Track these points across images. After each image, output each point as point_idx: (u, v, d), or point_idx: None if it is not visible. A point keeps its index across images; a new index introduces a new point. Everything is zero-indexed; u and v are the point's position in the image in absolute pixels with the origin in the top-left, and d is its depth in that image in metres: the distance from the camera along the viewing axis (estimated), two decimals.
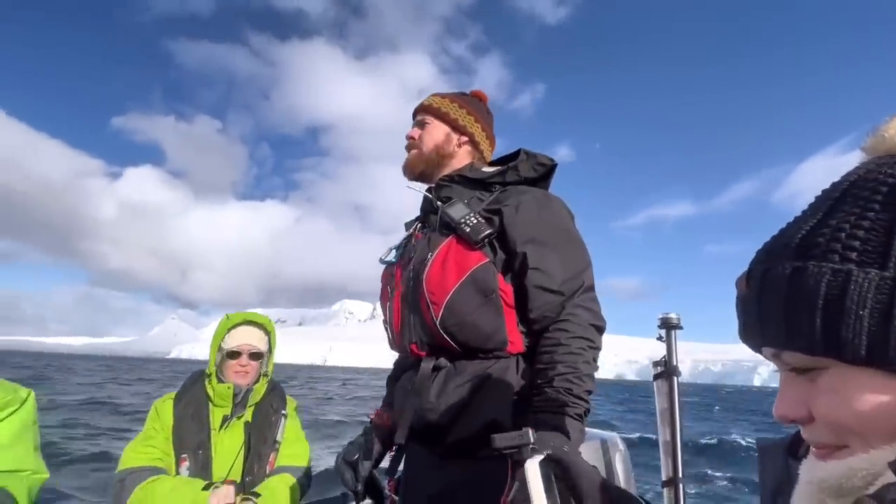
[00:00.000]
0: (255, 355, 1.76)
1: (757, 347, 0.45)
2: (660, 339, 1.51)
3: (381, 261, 1.46)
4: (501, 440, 0.72)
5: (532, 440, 0.69)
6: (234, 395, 1.70)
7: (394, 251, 1.45)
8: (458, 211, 1.27)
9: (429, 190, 1.40)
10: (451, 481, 1.19)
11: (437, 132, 1.40)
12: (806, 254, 0.42)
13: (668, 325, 1.49)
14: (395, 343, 1.37)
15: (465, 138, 1.41)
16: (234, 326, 1.77)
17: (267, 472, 1.69)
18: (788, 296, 0.41)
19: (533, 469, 0.65)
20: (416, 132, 1.42)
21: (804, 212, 0.45)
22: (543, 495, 0.63)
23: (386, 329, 1.39)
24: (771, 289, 0.43)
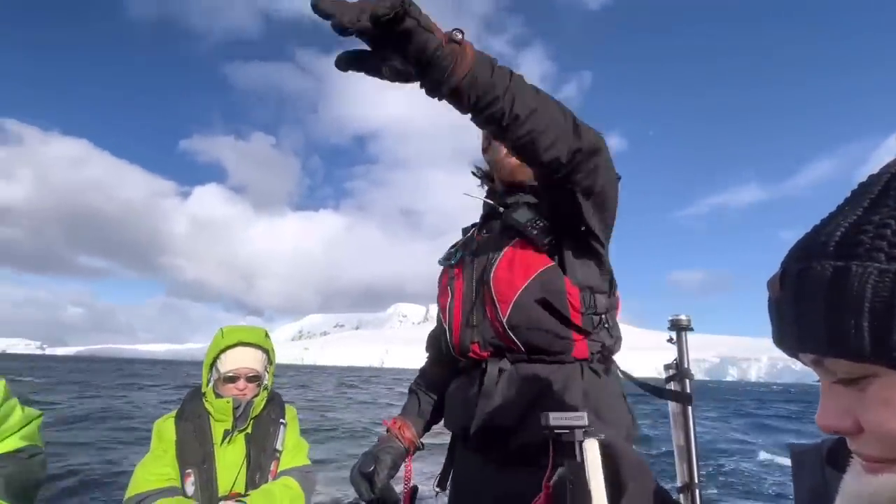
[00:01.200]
0: (253, 378, 1.76)
1: (794, 353, 0.43)
2: (670, 341, 1.46)
3: (441, 262, 1.44)
4: (556, 419, 0.70)
5: (587, 423, 0.69)
6: (234, 409, 1.70)
7: (454, 253, 1.43)
8: (522, 215, 1.26)
9: (489, 196, 1.40)
10: (512, 489, 1.13)
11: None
12: (848, 253, 0.39)
13: (678, 327, 1.44)
14: (453, 345, 1.32)
15: None
16: (228, 347, 1.74)
17: (269, 481, 1.69)
18: (830, 298, 0.38)
19: (593, 449, 0.65)
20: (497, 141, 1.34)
21: (841, 206, 0.42)
22: (601, 475, 0.62)
23: (440, 335, 1.37)
24: (810, 291, 0.40)
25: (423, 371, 1.55)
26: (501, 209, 1.32)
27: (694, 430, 1.36)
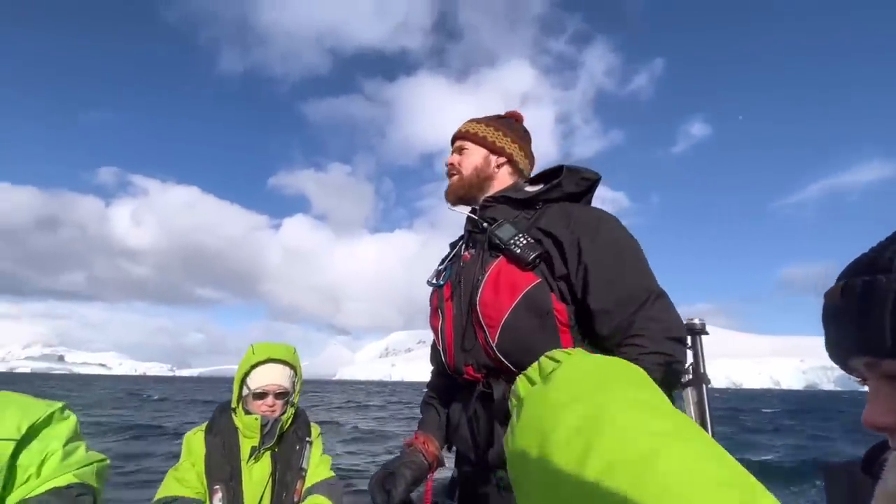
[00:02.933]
0: (282, 394, 1.78)
1: (846, 359, 0.46)
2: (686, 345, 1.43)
3: (430, 283, 1.44)
4: None
5: None
6: (262, 427, 1.71)
7: (442, 272, 1.43)
8: (506, 231, 1.25)
9: (473, 211, 1.40)
10: None
11: (475, 156, 1.41)
12: None
13: (693, 332, 1.40)
14: (448, 366, 1.34)
15: (503, 159, 1.41)
16: (258, 364, 1.76)
17: (294, 500, 1.70)
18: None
19: None
20: (456, 158, 1.43)
21: None
22: None
23: (439, 352, 1.37)
24: (875, 299, 0.43)
25: (433, 384, 1.55)
26: (486, 224, 1.31)
27: (712, 433, 1.32)
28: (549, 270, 1.20)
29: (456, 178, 1.42)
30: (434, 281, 1.43)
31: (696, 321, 1.40)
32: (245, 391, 1.77)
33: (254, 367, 1.76)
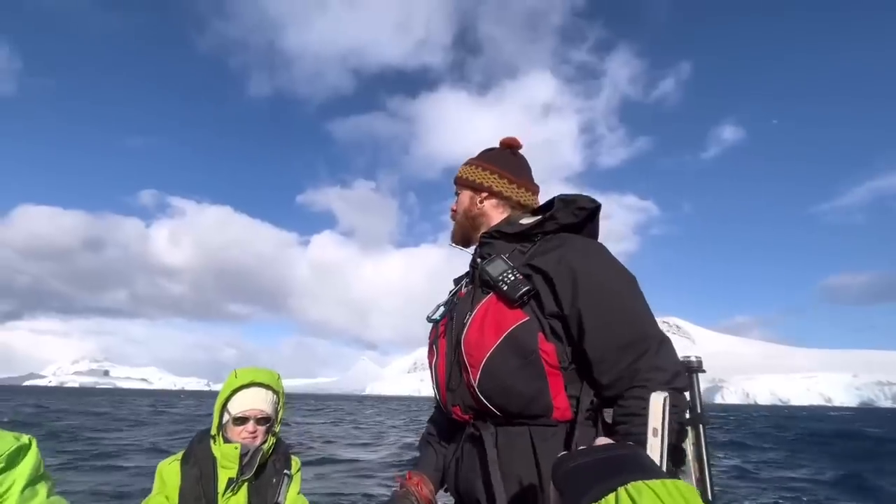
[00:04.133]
0: (263, 420, 1.69)
1: None
2: None
3: (428, 319, 1.42)
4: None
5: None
6: (242, 456, 1.63)
7: (441, 308, 1.41)
8: (496, 268, 1.22)
9: (474, 250, 1.41)
10: None
11: (463, 199, 1.48)
12: None
13: (689, 369, 1.35)
14: (441, 404, 1.33)
15: (484, 194, 1.43)
16: (241, 388, 1.68)
17: None
18: None
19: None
20: (454, 203, 1.52)
21: None
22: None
23: (434, 390, 1.35)
24: None
25: (434, 420, 1.50)
26: (479, 260, 1.31)
27: (710, 474, 1.26)
28: (538, 308, 1.16)
29: (455, 225, 1.51)
30: (432, 316, 1.42)
31: (693, 358, 1.34)
32: (226, 417, 1.70)
33: (235, 391, 1.69)
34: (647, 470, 0.80)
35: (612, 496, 0.77)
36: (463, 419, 1.26)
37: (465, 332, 1.21)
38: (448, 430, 1.42)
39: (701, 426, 1.28)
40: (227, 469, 1.62)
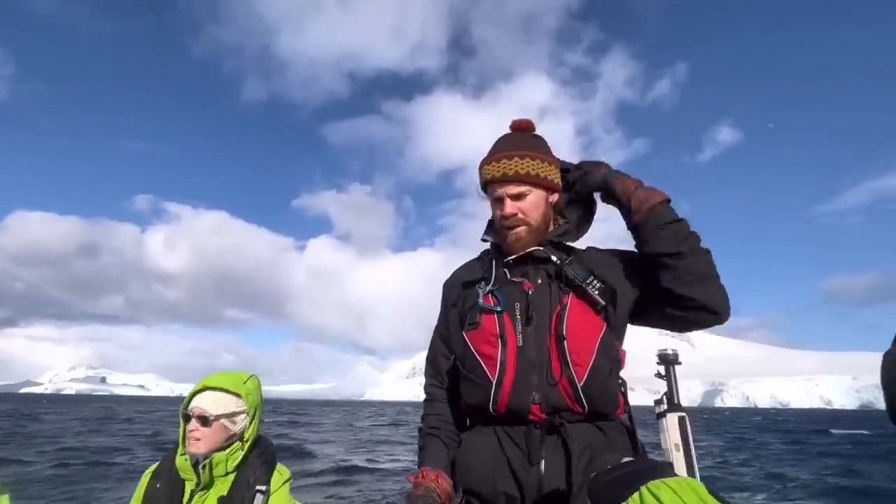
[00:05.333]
0: (203, 420, 1.55)
1: None
2: (658, 375, 1.43)
3: (482, 306, 1.28)
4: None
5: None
6: (194, 466, 1.54)
7: (492, 296, 1.29)
8: (579, 270, 1.25)
9: (493, 244, 1.39)
10: None
11: (539, 201, 1.30)
12: None
13: (666, 361, 1.41)
14: (497, 401, 1.20)
15: (556, 195, 1.35)
16: (196, 392, 1.61)
17: None
18: None
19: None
20: (516, 206, 1.28)
21: None
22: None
23: (486, 385, 1.23)
24: None
25: (437, 410, 1.39)
26: (556, 259, 1.28)
27: (693, 461, 1.32)
28: (612, 317, 1.25)
29: (524, 229, 1.29)
30: (489, 304, 1.28)
31: (669, 351, 1.41)
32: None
33: (193, 395, 1.62)
34: (667, 474, 0.94)
35: (636, 495, 0.93)
36: (538, 419, 1.19)
37: (565, 328, 1.19)
38: (456, 428, 1.37)
39: (677, 413, 1.34)
40: (189, 480, 1.56)
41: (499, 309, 1.27)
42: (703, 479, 0.96)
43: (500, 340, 1.24)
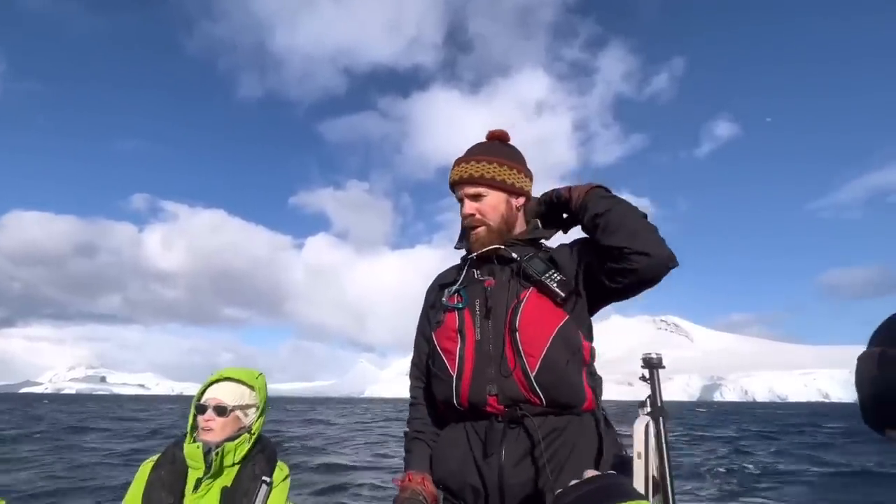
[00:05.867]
0: (220, 409, 1.60)
1: (882, 428, 0.45)
2: (643, 379, 1.45)
3: (445, 304, 1.35)
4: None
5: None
6: (206, 455, 1.56)
7: (456, 295, 1.36)
8: (538, 265, 1.29)
9: (464, 247, 1.42)
10: None
11: (495, 202, 1.37)
12: None
13: (650, 365, 1.43)
14: (459, 395, 1.26)
15: (522, 199, 1.41)
16: (212, 383, 1.65)
17: None
18: None
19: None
20: (473, 207, 1.36)
21: None
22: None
23: (447, 379, 1.29)
24: None
25: (421, 414, 1.44)
26: (515, 256, 1.33)
27: (670, 465, 1.34)
28: (574, 308, 1.29)
29: (483, 229, 1.36)
30: (453, 303, 1.34)
31: (653, 355, 1.42)
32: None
33: (207, 386, 1.67)
34: (629, 493, 0.94)
35: None
36: (496, 411, 1.23)
37: (519, 320, 1.23)
38: (436, 428, 1.40)
39: (661, 419, 1.36)
40: (195, 469, 1.58)
41: (460, 306, 1.33)
42: (677, 476, 0.98)
43: (458, 335, 1.30)
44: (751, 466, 12.48)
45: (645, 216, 1.24)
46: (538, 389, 1.21)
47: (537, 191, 1.51)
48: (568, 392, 1.24)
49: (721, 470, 11.45)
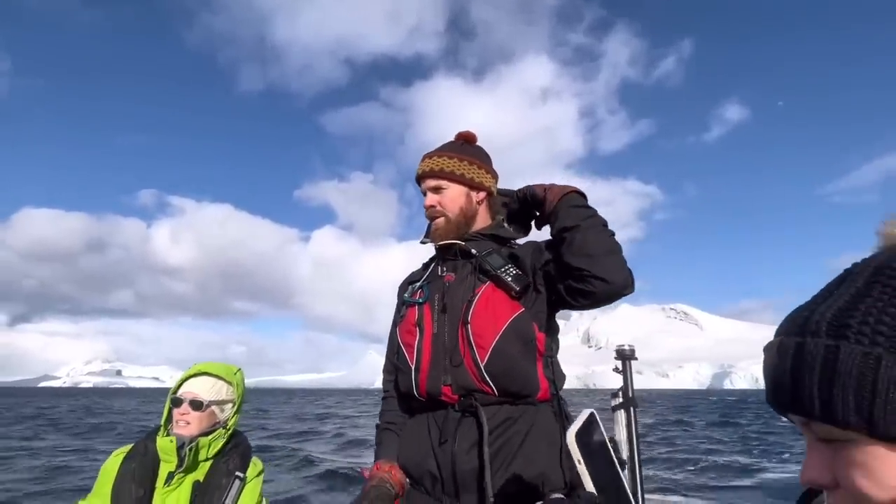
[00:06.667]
0: (196, 404, 1.60)
1: (784, 413, 0.48)
2: (616, 370, 1.49)
3: (408, 300, 1.43)
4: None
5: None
6: (179, 449, 1.55)
7: (420, 290, 1.43)
8: (496, 260, 1.34)
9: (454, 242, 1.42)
10: None
11: (457, 195, 1.42)
12: (838, 333, 0.47)
13: (623, 357, 1.47)
14: (418, 385, 1.33)
15: (483, 194, 1.46)
16: (189, 377, 1.65)
17: None
18: (823, 372, 0.47)
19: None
20: (434, 199, 1.43)
21: (828, 290, 0.49)
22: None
23: (407, 371, 1.35)
24: (805, 363, 0.47)
25: (392, 406, 1.49)
26: (474, 252, 1.38)
27: (639, 455, 1.38)
28: (531, 302, 1.33)
29: (442, 220, 1.42)
30: (415, 298, 1.42)
31: (626, 346, 1.46)
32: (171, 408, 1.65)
33: (184, 380, 1.66)
34: None
35: None
36: (451, 400, 1.30)
37: (471, 313, 1.29)
38: (404, 419, 1.45)
39: (632, 409, 1.40)
40: (167, 462, 1.57)
41: (420, 301, 1.40)
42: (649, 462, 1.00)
43: (417, 328, 1.37)
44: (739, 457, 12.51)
45: (612, 234, 1.28)
46: (489, 379, 1.26)
47: (549, 180, 1.51)
48: (520, 382, 1.28)
49: (717, 460, 11.49)
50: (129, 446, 1.63)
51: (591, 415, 1.04)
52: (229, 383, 1.70)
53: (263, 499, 1.70)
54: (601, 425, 1.09)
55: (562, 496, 1.04)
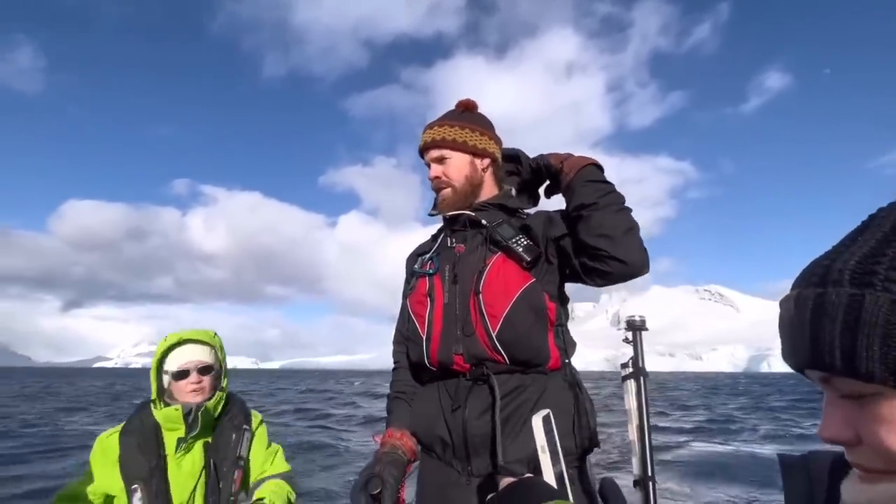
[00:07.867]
0: (205, 369, 1.66)
1: (801, 369, 0.46)
2: (626, 340, 1.47)
3: (418, 271, 1.43)
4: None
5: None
6: (185, 416, 1.59)
7: (430, 261, 1.43)
8: (507, 231, 1.33)
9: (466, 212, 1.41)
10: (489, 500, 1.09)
11: (460, 163, 1.41)
12: (863, 281, 0.42)
13: (633, 327, 1.45)
14: (429, 355, 1.34)
15: (487, 161, 1.44)
16: (173, 347, 1.66)
17: (233, 489, 1.62)
18: (845, 323, 0.42)
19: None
20: (439, 170, 1.41)
21: (851, 238, 0.45)
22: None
23: (419, 341, 1.37)
24: (826, 314, 0.43)
25: (402, 376, 1.50)
26: (484, 222, 1.37)
27: (648, 423, 1.37)
28: (542, 272, 1.34)
29: (448, 191, 1.41)
30: (425, 269, 1.42)
31: (637, 317, 1.45)
32: (166, 380, 1.66)
33: (168, 350, 1.66)
34: (545, 493, 0.93)
35: None
36: (462, 369, 1.31)
37: (483, 283, 1.29)
38: (415, 388, 1.47)
39: (642, 378, 1.40)
40: (173, 431, 1.61)
41: (431, 272, 1.40)
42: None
43: (428, 299, 1.37)
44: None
45: (630, 211, 1.26)
46: (500, 348, 1.27)
47: (577, 151, 1.51)
48: (531, 351, 1.29)
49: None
50: (120, 426, 1.67)
51: (548, 415, 1.07)
52: (212, 346, 1.73)
53: (270, 443, 1.80)
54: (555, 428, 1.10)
55: (531, 475, 1.02)
